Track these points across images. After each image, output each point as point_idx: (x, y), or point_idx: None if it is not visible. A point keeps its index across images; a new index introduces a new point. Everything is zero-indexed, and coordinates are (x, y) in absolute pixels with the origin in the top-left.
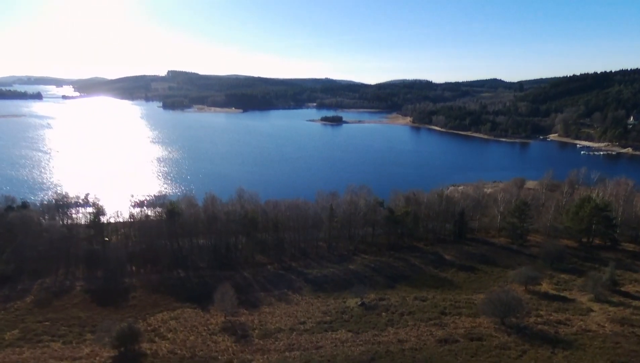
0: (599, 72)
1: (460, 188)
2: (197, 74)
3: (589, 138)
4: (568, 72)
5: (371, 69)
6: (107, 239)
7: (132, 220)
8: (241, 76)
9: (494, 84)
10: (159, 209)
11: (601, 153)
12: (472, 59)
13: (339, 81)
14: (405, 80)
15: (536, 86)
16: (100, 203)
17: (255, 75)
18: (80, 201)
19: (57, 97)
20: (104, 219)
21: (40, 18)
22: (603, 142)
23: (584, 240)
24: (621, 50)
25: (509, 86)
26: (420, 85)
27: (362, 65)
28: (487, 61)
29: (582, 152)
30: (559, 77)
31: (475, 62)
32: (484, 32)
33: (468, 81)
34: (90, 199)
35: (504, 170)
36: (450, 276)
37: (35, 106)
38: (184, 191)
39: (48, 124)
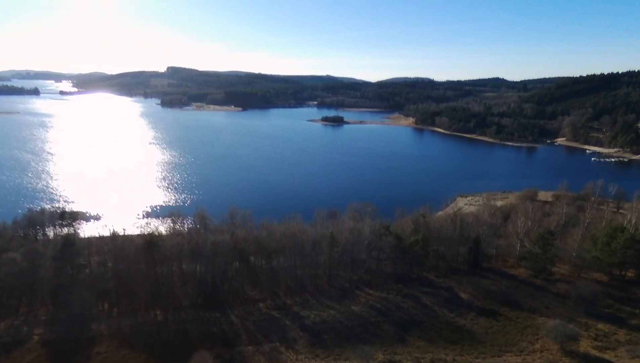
0: (605, 73)
1: (469, 198)
2: (196, 71)
3: (598, 143)
4: (571, 72)
5: (372, 66)
6: (83, 262)
7: (111, 236)
8: (241, 73)
9: (496, 84)
10: (141, 228)
11: (612, 159)
12: (474, 57)
13: (340, 78)
14: (407, 78)
15: (540, 86)
16: (77, 221)
17: (256, 71)
18: (57, 215)
19: (55, 92)
20: (82, 234)
21: (40, 13)
22: (613, 148)
23: (616, 272)
24: (627, 50)
25: (512, 85)
26: (422, 84)
27: (363, 62)
28: (489, 59)
29: (592, 158)
30: (564, 78)
31: (477, 60)
32: (486, 30)
33: (470, 80)
34: (67, 216)
35: (512, 178)
36: (469, 324)
37: (31, 103)
38: (174, 201)
39: (42, 122)
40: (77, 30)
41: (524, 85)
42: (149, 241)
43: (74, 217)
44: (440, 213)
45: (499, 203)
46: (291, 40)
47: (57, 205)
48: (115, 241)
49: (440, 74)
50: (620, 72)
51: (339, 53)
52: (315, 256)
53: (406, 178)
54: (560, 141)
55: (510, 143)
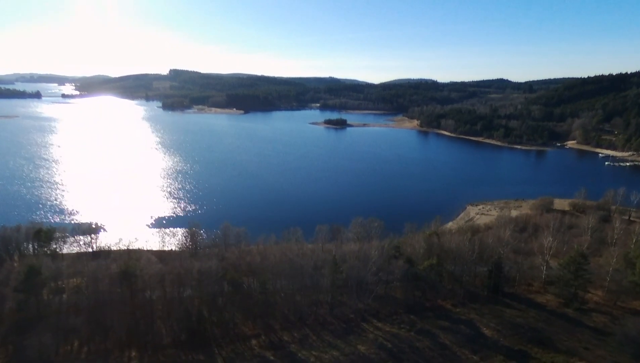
0: (614, 73)
1: (480, 206)
2: (198, 73)
3: (610, 146)
4: (577, 72)
5: (375, 68)
6: (62, 285)
7: (90, 255)
8: (243, 75)
9: (501, 85)
10: (128, 244)
11: (627, 163)
12: (477, 57)
13: (343, 80)
14: (410, 79)
15: (546, 87)
16: (55, 238)
17: (258, 73)
18: (32, 232)
19: (57, 96)
20: (65, 250)
21: (45, 17)
22: (628, 151)
23: None
24: (635, 50)
25: (517, 86)
26: (425, 85)
27: (366, 63)
28: (493, 59)
29: (606, 163)
30: (570, 78)
31: (480, 60)
32: (489, 30)
33: (475, 81)
34: (42, 234)
35: (524, 184)
36: None
37: (31, 106)
38: (168, 211)
39: (40, 126)
40: (80, 34)
41: (530, 86)
42: (125, 270)
43: (51, 234)
44: (450, 223)
45: (513, 213)
46: (293, 42)
47: (37, 218)
48: (88, 266)
49: (443, 75)
50: (629, 72)
51: (342, 54)
52: (317, 279)
53: (413, 184)
54: (570, 144)
55: (519, 147)
